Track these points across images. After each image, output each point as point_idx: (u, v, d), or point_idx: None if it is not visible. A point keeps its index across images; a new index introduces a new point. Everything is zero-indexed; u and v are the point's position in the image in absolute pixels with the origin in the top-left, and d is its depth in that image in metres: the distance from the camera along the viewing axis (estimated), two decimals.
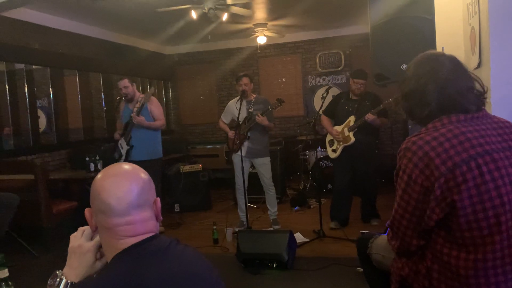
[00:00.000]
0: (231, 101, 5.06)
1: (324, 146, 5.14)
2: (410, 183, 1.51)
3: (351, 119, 4.68)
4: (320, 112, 4.88)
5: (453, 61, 1.60)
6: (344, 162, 4.79)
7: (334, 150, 4.83)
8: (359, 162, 4.72)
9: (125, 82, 4.90)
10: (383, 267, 1.97)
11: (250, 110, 4.79)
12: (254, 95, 4.95)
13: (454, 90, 1.55)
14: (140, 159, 4.71)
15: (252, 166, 5.04)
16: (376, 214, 4.89)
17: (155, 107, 4.99)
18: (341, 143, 4.74)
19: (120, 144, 4.95)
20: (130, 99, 4.94)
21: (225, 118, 5.09)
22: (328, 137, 4.92)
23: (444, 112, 1.56)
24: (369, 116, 4.44)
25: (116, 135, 4.99)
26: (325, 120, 4.93)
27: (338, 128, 4.77)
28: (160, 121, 5.01)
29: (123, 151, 4.91)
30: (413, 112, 1.64)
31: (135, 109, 4.86)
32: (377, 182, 5.07)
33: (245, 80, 4.78)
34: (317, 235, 4.51)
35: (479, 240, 1.44)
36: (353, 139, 4.65)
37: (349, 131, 4.67)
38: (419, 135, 1.55)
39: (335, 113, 4.83)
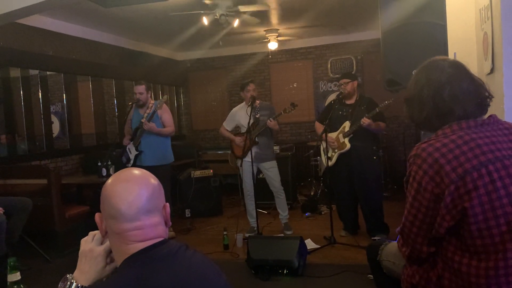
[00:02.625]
0: (234, 109, 5.09)
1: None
2: (420, 190, 1.50)
3: (346, 124, 4.55)
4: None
5: (454, 66, 1.59)
6: (341, 170, 4.64)
7: (329, 158, 4.67)
8: (356, 169, 4.53)
9: (142, 88, 4.95)
10: (394, 274, 1.95)
11: (257, 116, 4.82)
12: (258, 101, 4.97)
13: (447, 94, 1.54)
14: (149, 164, 4.76)
15: (260, 171, 5.05)
16: (383, 227, 4.52)
17: (166, 114, 5.04)
18: (336, 150, 4.61)
19: (129, 148, 4.98)
20: (141, 105, 4.98)
21: (228, 126, 5.10)
22: (323, 145, 4.71)
23: (441, 117, 1.56)
24: (365, 121, 4.30)
25: (126, 140, 5.00)
26: (319, 127, 4.75)
27: (333, 134, 4.63)
28: (170, 127, 5.04)
29: (132, 156, 4.94)
30: (413, 117, 1.67)
31: (145, 115, 4.92)
32: (380, 191, 4.71)
33: (252, 86, 4.85)
34: (328, 241, 4.48)
35: (491, 248, 1.42)
36: (348, 145, 4.51)
37: (344, 137, 4.54)
38: (429, 142, 1.54)
39: (330, 119, 4.60)
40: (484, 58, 2.46)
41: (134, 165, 4.88)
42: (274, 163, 4.96)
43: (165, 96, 5.17)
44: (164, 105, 5.06)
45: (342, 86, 4.62)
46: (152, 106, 5.01)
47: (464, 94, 1.54)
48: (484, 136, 1.49)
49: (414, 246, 1.58)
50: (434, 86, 1.56)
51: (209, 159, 7.69)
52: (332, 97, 5.25)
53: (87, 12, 5.44)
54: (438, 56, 1.69)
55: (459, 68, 1.59)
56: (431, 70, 1.61)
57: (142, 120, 4.88)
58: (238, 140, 4.89)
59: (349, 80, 4.60)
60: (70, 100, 6.22)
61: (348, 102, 4.65)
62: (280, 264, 3.74)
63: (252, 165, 4.65)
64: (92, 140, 6.66)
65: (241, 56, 8.70)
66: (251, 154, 4.66)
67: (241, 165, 4.94)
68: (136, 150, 4.93)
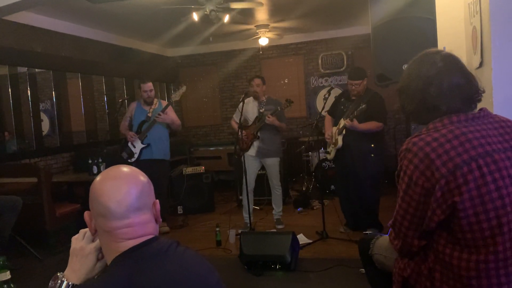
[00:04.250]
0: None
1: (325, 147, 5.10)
2: (411, 185, 1.50)
3: (341, 121, 4.48)
4: (323, 113, 4.79)
5: (446, 59, 1.58)
6: (340, 165, 4.67)
7: (327, 152, 4.75)
8: (351, 166, 4.48)
9: (151, 85, 5.05)
10: (385, 268, 1.96)
11: (261, 111, 4.84)
12: (266, 96, 5.00)
13: (434, 89, 1.54)
14: (152, 157, 4.89)
15: (262, 167, 5.05)
16: (375, 223, 4.50)
17: (170, 110, 5.15)
18: (332, 145, 4.63)
19: (132, 143, 4.98)
20: (151, 102, 5.06)
21: (237, 117, 5.07)
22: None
23: (429, 111, 1.57)
24: (347, 122, 4.22)
25: (132, 136, 4.96)
26: (326, 120, 4.83)
27: (334, 129, 4.62)
28: (179, 121, 5.23)
29: (136, 150, 4.97)
30: (404, 108, 1.68)
31: (151, 110, 5.03)
32: (375, 190, 4.60)
33: (257, 81, 4.87)
34: (320, 236, 4.50)
35: (481, 242, 1.43)
36: (340, 143, 4.45)
37: (338, 134, 4.51)
38: (419, 136, 1.54)
39: (335, 113, 4.65)
40: (473, 52, 2.48)
41: (140, 158, 4.94)
42: (277, 160, 4.98)
43: (184, 87, 5.18)
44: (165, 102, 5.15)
45: (354, 87, 4.42)
46: (156, 103, 5.13)
47: (452, 90, 1.54)
48: (474, 130, 1.49)
49: (405, 239, 1.59)
50: (422, 80, 1.57)
51: (201, 155, 7.68)
52: (324, 92, 5.14)
53: (76, 9, 5.38)
54: (432, 48, 1.69)
55: (450, 62, 1.58)
56: (422, 63, 1.61)
57: (149, 115, 4.98)
58: (240, 133, 4.88)
59: (360, 81, 4.39)
60: (60, 98, 6.16)
61: (353, 97, 4.54)
62: (273, 260, 3.76)
63: (244, 159, 4.64)
64: (83, 137, 6.60)
65: (232, 52, 8.67)
66: (251, 148, 4.66)
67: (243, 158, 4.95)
68: (142, 143, 4.96)
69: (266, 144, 4.85)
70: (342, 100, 4.65)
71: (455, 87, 1.54)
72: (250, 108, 4.94)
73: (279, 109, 4.74)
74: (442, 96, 1.54)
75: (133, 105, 5.19)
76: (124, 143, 5.08)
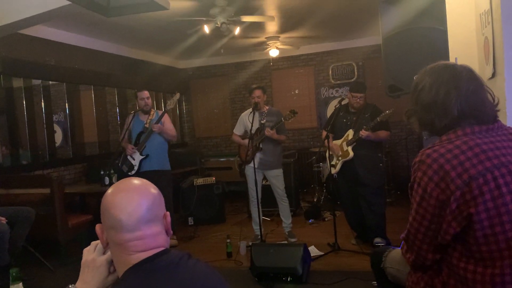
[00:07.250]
0: (243, 113, 5.09)
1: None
2: (425, 197, 1.49)
3: (350, 133, 4.52)
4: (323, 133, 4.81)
5: (469, 71, 1.57)
6: (346, 177, 4.64)
7: (333, 166, 4.68)
8: (360, 177, 4.48)
9: (147, 93, 5.01)
10: (398, 281, 1.94)
11: (262, 122, 4.80)
12: (267, 107, 4.96)
13: (477, 99, 1.51)
14: (152, 169, 4.82)
15: (265, 178, 5.02)
16: (383, 233, 4.50)
17: (168, 122, 5.11)
18: (340, 158, 4.61)
19: (131, 156, 4.94)
20: (148, 111, 5.02)
21: (237, 131, 5.10)
22: (328, 152, 4.69)
23: (463, 122, 1.52)
24: (363, 133, 4.28)
25: (130, 149, 4.94)
26: (325, 135, 4.76)
27: (337, 142, 4.63)
28: (174, 131, 5.19)
29: (136, 162, 4.91)
30: (433, 124, 1.57)
31: (148, 120, 4.97)
32: (384, 199, 4.64)
33: (257, 92, 4.80)
34: (332, 248, 4.45)
35: (497, 254, 1.40)
36: (351, 154, 4.48)
37: (347, 145, 4.51)
38: (433, 147, 1.53)
39: (334, 127, 4.64)
40: (486, 62, 2.46)
41: (140, 170, 4.89)
42: (279, 171, 4.93)
43: (177, 94, 5.14)
44: (165, 114, 5.10)
45: (358, 100, 4.49)
46: (153, 113, 5.06)
47: (487, 100, 1.53)
48: (488, 141, 1.48)
49: (419, 253, 1.57)
50: (463, 91, 1.52)
51: (211, 166, 7.69)
52: (334, 103, 5.15)
53: (89, 22, 5.47)
54: (443, 61, 1.66)
55: (476, 74, 1.56)
56: (453, 74, 1.55)
57: (146, 125, 4.93)
58: (247, 143, 4.86)
59: (363, 94, 4.50)
60: (73, 109, 6.24)
61: (352, 110, 4.61)
62: (284, 272, 3.72)
63: (255, 171, 4.61)
64: (95, 149, 6.67)
65: (242, 63, 8.73)
66: (253, 160, 4.62)
67: (244, 171, 4.91)
68: (141, 154, 4.92)
69: (267, 155, 4.81)
70: (341, 113, 4.65)
71: (487, 98, 1.53)
72: (250, 119, 4.80)
73: (282, 121, 4.69)
74: (484, 105, 1.52)
75: (130, 117, 5.09)
76: (123, 156, 5.00)
